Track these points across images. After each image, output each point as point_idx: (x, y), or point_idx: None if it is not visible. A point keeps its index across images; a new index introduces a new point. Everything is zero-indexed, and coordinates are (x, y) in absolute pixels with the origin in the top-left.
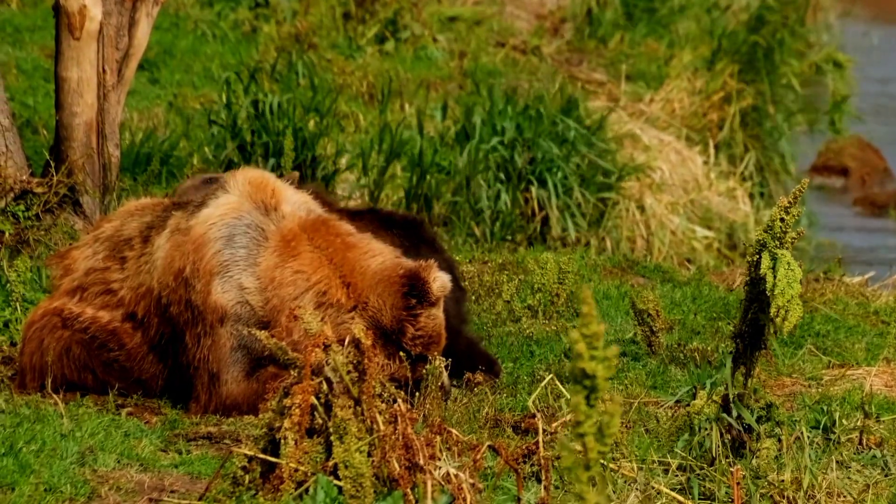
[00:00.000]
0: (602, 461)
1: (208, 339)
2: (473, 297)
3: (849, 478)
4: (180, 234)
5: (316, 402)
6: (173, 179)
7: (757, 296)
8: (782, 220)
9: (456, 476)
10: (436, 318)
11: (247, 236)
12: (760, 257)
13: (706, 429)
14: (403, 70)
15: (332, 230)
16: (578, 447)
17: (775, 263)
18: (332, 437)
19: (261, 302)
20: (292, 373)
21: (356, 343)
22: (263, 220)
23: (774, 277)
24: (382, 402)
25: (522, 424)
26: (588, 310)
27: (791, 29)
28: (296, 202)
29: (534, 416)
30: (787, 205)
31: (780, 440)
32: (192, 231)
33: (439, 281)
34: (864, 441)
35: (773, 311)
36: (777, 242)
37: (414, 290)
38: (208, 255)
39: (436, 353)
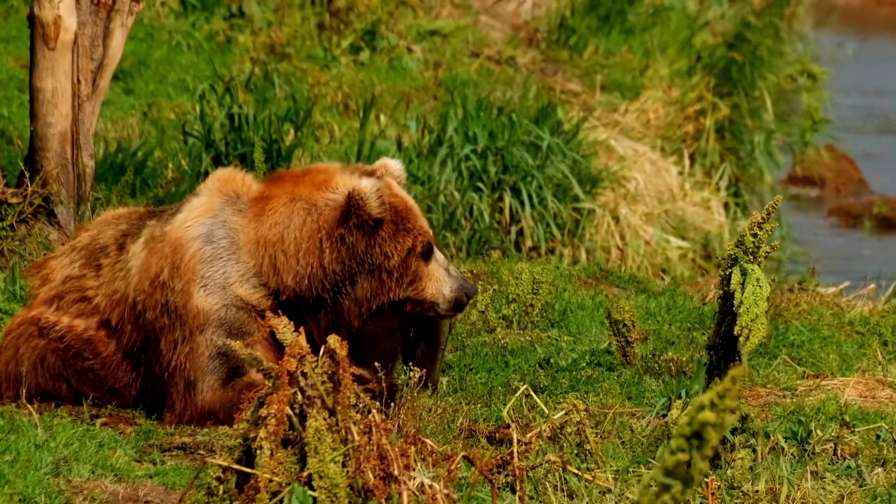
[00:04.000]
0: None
1: (186, 345)
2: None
3: (823, 488)
4: (155, 241)
5: (291, 412)
6: (147, 189)
7: (729, 309)
8: (755, 235)
9: (430, 486)
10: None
11: (225, 227)
12: (732, 272)
13: None
14: (378, 81)
15: (288, 171)
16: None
17: (745, 279)
18: (306, 448)
19: (254, 271)
20: (267, 382)
21: (331, 354)
22: (235, 204)
23: (742, 294)
24: (357, 412)
25: (497, 435)
26: (730, 384)
27: (768, 45)
28: None
29: (508, 426)
30: (761, 220)
31: (754, 451)
32: (169, 235)
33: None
34: (839, 452)
35: (736, 329)
36: (749, 257)
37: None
38: (188, 254)
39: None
